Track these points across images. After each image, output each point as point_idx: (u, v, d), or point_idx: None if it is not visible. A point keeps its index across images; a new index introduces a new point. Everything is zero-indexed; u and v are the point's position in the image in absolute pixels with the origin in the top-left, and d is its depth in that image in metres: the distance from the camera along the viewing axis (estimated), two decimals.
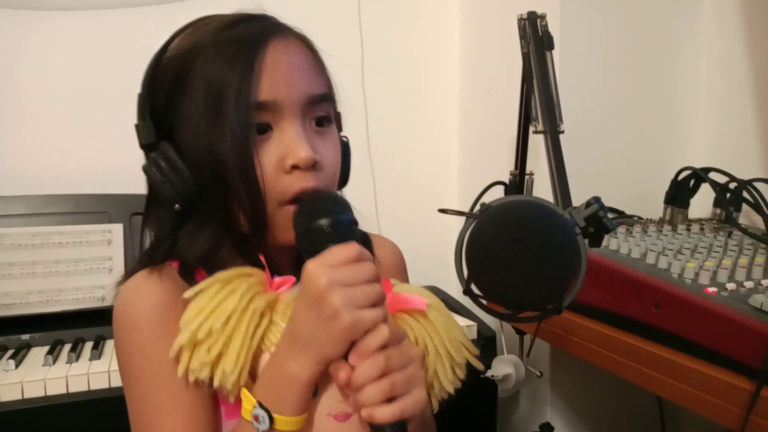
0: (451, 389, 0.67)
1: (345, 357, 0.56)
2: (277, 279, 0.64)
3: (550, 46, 0.98)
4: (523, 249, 0.53)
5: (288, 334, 0.58)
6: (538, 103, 0.89)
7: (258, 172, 0.61)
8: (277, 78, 0.62)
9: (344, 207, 0.61)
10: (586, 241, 0.68)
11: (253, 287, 0.61)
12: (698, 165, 1.17)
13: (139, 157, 0.67)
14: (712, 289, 0.79)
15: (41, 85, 1.40)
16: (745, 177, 1.09)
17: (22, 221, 1.26)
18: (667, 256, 0.89)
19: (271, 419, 0.56)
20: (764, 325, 0.69)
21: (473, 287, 0.58)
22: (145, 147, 0.66)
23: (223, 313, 0.58)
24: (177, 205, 0.64)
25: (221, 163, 0.61)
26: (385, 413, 0.54)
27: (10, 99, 1.39)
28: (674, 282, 0.83)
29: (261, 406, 0.56)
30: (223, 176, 0.61)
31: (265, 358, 0.60)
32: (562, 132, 0.86)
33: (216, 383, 0.58)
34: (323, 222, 0.57)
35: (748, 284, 0.82)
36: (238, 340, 0.58)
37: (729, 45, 1.37)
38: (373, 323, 0.55)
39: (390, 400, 0.55)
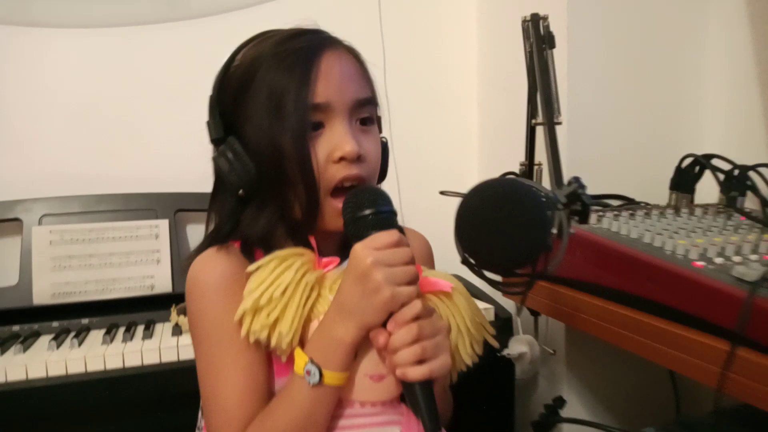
0: (469, 362, 0.77)
1: (383, 325, 0.66)
2: (325, 259, 0.74)
3: (552, 44, 1.05)
4: (498, 216, 0.64)
5: (336, 303, 0.68)
6: (539, 97, 0.97)
7: (313, 162, 0.71)
8: (329, 83, 0.72)
9: (386, 200, 0.70)
10: (576, 218, 0.76)
11: (305, 264, 0.72)
12: (709, 151, 1.22)
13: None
14: (700, 264, 0.85)
15: (90, 96, 1.51)
16: (753, 163, 1.12)
17: (78, 218, 1.39)
18: (661, 235, 0.95)
19: (321, 373, 0.66)
20: (740, 291, 0.76)
21: (468, 257, 0.68)
22: (215, 141, 0.77)
23: (282, 284, 0.69)
24: (241, 191, 0.75)
25: (282, 155, 0.71)
26: (416, 372, 0.64)
27: (65, 109, 1.51)
28: (666, 258, 0.89)
29: (312, 362, 0.67)
30: (283, 166, 0.72)
31: (313, 325, 0.70)
32: (559, 123, 0.94)
33: (273, 343, 0.69)
34: (368, 212, 0.68)
35: (737, 259, 0.86)
36: (293, 308, 0.69)
37: (735, 34, 1.40)
38: (408, 298, 0.65)
39: (420, 363, 0.65)
